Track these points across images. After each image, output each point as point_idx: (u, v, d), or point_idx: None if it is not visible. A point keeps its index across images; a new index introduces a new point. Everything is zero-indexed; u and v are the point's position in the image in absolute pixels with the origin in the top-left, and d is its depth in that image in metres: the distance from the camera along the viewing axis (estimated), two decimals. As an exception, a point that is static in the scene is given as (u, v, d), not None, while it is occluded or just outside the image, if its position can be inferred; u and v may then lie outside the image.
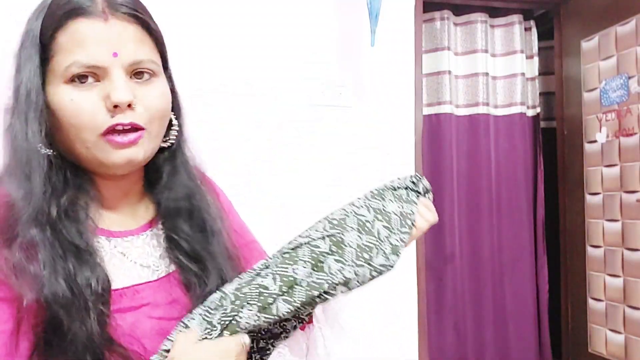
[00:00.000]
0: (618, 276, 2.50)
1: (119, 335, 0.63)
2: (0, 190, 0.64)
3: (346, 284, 0.69)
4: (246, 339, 0.65)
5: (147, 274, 0.70)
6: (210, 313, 0.65)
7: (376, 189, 0.79)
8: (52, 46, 0.64)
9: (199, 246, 0.74)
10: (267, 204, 2.33)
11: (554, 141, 2.96)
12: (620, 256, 2.49)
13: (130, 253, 0.70)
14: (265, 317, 0.65)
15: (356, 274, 0.69)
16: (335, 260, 0.69)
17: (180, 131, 0.76)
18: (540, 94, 3.13)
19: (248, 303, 0.65)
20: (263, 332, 0.71)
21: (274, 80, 2.38)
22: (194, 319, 0.65)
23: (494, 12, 3.00)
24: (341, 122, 2.45)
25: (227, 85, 2.30)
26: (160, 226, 0.75)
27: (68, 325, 0.59)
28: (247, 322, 0.64)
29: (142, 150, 0.67)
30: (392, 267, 0.73)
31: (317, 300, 0.68)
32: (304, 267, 0.68)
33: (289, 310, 0.66)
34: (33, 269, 0.59)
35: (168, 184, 0.75)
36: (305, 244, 0.72)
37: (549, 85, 3.17)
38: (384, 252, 0.72)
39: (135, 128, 0.65)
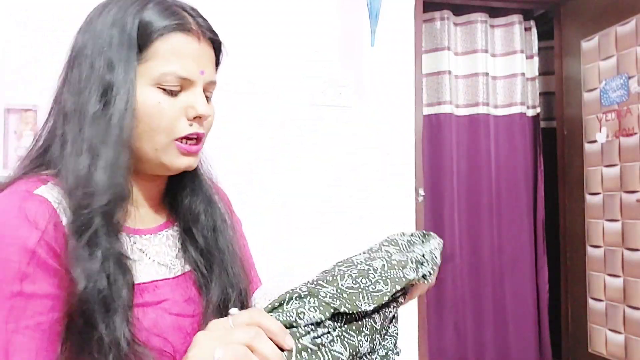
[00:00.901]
0: (618, 276, 2.50)
1: (139, 330, 0.65)
2: (75, 179, 0.65)
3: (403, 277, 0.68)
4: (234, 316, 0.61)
5: (164, 271, 0.73)
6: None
7: (388, 239, 0.78)
8: (148, 50, 0.68)
9: (212, 245, 0.77)
10: (269, 203, 2.34)
11: (554, 141, 2.96)
12: (620, 256, 2.49)
13: (148, 250, 0.73)
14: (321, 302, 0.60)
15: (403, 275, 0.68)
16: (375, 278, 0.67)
17: None
18: (540, 94, 3.13)
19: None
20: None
21: (276, 79, 2.38)
22: None
23: (494, 12, 3.00)
24: (342, 121, 2.45)
25: (230, 83, 2.31)
26: (176, 227, 0.78)
27: (98, 320, 0.60)
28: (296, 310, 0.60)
29: (197, 159, 0.75)
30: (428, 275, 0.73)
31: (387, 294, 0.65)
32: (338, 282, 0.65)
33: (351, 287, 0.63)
34: (90, 261, 0.61)
35: (191, 187, 0.80)
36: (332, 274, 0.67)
37: (549, 85, 3.17)
38: (415, 271, 0.71)
39: (198, 139, 0.73)
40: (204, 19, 0.74)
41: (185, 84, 0.70)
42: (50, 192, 0.64)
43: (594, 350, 2.66)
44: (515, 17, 2.99)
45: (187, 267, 0.76)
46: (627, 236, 2.46)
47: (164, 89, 0.69)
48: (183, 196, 0.79)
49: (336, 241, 2.41)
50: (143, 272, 0.70)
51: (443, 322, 2.86)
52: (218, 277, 0.75)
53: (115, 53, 0.67)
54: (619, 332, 2.50)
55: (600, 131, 2.61)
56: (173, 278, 0.73)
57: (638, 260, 2.40)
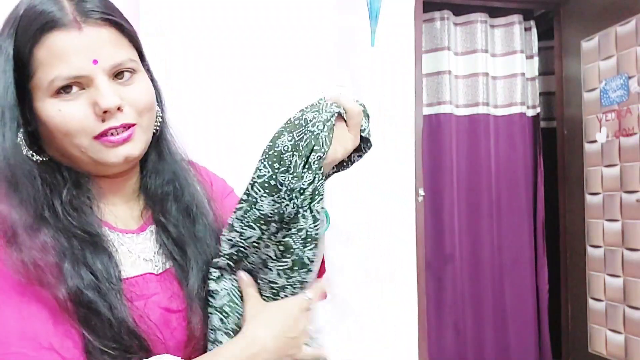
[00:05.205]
0: (618, 276, 2.50)
1: (140, 321, 0.66)
2: None
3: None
4: (308, 294, 0.71)
5: (150, 267, 0.72)
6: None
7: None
8: (32, 63, 0.65)
9: (185, 230, 0.75)
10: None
11: (554, 141, 2.96)
12: (620, 256, 2.49)
13: (133, 248, 0.72)
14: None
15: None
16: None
17: (162, 117, 0.77)
18: (540, 94, 3.13)
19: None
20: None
21: (274, 79, 2.38)
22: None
23: (494, 12, 3.00)
24: (341, 122, 2.45)
25: (225, 84, 2.30)
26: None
27: (103, 308, 0.62)
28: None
29: (137, 145, 0.69)
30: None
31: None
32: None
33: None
34: (56, 265, 0.61)
35: (154, 169, 0.76)
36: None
37: (549, 85, 3.17)
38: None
39: (127, 126, 0.67)
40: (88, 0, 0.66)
41: (81, 81, 0.64)
42: None
43: (594, 350, 2.66)
44: (515, 17, 2.99)
45: (169, 264, 0.74)
46: (627, 236, 2.46)
47: (60, 96, 0.64)
48: (149, 182, 0.76)
49: (335, 241, 2.40)
50: (130, 267, 0.69)
51: (443, 322, 2.86)
52: (196, 267, 0.73)
53: (1, 80, 0.66)
54: (619, 332, 2.50)
55: (600, 131, 2.61)
56: (158, 274, 0.72)
57: (638, 260, 2.40)
